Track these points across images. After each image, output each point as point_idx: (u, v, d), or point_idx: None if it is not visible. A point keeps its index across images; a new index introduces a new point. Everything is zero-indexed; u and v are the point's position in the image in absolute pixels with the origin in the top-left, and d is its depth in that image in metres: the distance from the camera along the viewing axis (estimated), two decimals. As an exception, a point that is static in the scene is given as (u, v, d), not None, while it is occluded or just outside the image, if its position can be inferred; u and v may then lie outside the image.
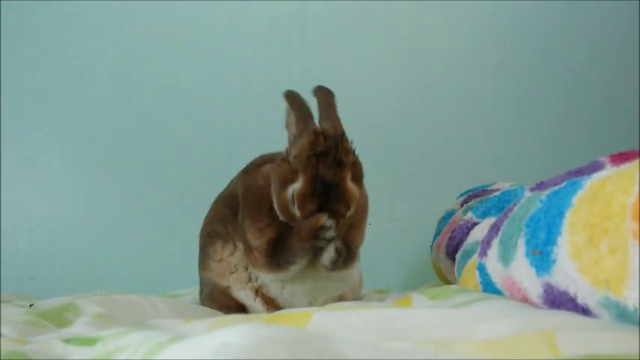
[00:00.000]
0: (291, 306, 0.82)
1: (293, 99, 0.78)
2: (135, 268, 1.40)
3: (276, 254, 0.77)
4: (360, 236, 0.85)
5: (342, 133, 0.74)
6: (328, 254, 0.73)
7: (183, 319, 0.66)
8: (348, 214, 0.73)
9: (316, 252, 0.74)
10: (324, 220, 0.70)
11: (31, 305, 0.76)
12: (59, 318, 0.62)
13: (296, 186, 0.71)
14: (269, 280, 0.81)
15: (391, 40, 1.48)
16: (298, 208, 0.71)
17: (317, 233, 0.71)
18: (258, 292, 0.83)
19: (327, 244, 0.73)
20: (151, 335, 0.41)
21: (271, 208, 0.76)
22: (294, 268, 0.77)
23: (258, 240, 0.79)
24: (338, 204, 0.71)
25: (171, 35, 1.49)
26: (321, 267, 0.76)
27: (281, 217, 0.75)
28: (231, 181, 0.93)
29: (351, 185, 0.72)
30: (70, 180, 1.46)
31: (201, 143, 1.45)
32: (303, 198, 0.70)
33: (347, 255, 0.78)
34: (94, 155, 1.46)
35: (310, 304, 0.82)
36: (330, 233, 0.71)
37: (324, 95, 0.82)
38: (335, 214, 0.71)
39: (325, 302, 0.83)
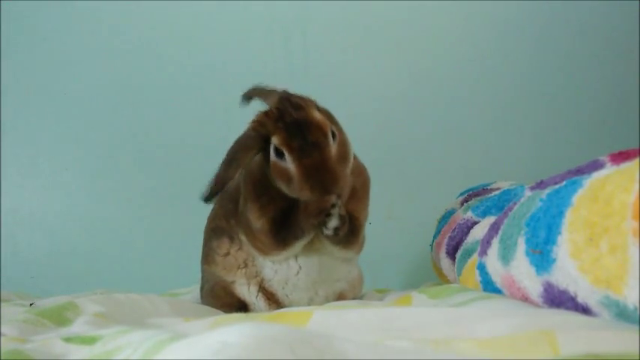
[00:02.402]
0: (291, 302, 0.83)
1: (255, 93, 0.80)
2: (135, 268, 1.40)
3: (281, 232, 0.78)
4: (364, 209, 0.86)
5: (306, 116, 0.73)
6: (332, 222, 0.74)
7: (183, 318, 0.66)
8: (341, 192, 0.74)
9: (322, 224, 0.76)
10: (334, 199, 0.73)
11: (31, 304, 0.76)
12: (59, 317, 0.62)
13: (292, 170, 0.71)
14: (274, 260, 0.82)
15: (391, 40, 1.48)
16: (310, 192, 0.71)
17: (326, 211, 0.73)
18: (261, 287, 0.84)
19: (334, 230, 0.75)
20: (151, 334, 0.41)
21: (270, 187, 0.77)
22: (299, 244, 0.79)
23: (260, 220, 0.79)
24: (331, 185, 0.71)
25: (171, 35, 1.49)
26: (324, 238, 0.78)
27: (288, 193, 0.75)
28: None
29: (340, 168, 0.73)
30: (71, 179, 1.46)
31: (201, 143, 1.44)
32: (310, 183, 0.70)
33: (351, 228, 0.80)
34: (94, 155, 1.46)
35: (311, 300, 0.84)
36: (336, 210, 0.73)
37: None
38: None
39: (326, 299, 0.84)
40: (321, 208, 0.73)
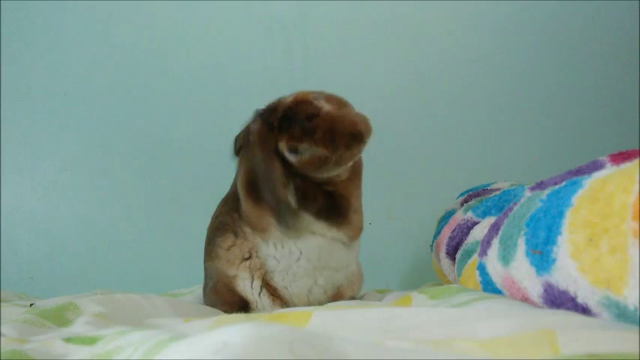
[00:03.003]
0: (291, 295, 0.84)
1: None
2: (135, 268, 1.40)
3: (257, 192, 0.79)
4: (355, 189, 0.86)
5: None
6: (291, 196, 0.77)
7: (183, 319, 0.66)
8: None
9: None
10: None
11: (31, 305, 0.76)
12: (59, 317, 0.62)
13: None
14: (273, 239, 0.83)
15: (391, 40, 1.48)
16: (346, 148, 0.75)
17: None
18: (264, 281, 0.84)
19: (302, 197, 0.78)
20: (151, 334, 0.41)
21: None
22: (284, 210, 0.80)
23: (240, 190, 0.82)
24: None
25: (171, 35, 1.49)
26: (307, 214, 0.80)
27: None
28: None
29: (347, 110, 0.76)
30: (71, 180, 1.46)
31: (201, 143, 1.45)
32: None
33: (337, 206, 0.82)
34: (94, 155, 1.46)
35: (310, 291, 0.85)
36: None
37: None
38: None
39: (325, 291, 0.85)
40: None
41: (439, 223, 1.01)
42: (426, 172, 1.43)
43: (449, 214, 0.98)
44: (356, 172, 0.87)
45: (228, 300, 0.85)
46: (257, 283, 0.84)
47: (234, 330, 0.33)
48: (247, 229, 0.85)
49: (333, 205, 0.82)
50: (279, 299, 0.85)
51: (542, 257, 0.46)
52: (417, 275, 1.33)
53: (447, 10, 1.47)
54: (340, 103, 0.78)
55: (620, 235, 0.37)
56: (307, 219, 0.82)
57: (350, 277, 0.90)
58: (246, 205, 0.82)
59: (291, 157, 0.76)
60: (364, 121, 0.75)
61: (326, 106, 0.75)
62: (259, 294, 0.84)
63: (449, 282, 0.91)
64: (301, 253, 0.83)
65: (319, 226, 0.83)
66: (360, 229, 0.90)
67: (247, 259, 0.85)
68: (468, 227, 0.85)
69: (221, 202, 0.95)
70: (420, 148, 1.44)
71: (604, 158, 0.65)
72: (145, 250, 1.42)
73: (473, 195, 0.99)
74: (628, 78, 1.44)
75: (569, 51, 1.46)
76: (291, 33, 1.47)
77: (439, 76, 1.47)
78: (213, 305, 0.87)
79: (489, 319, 0.41)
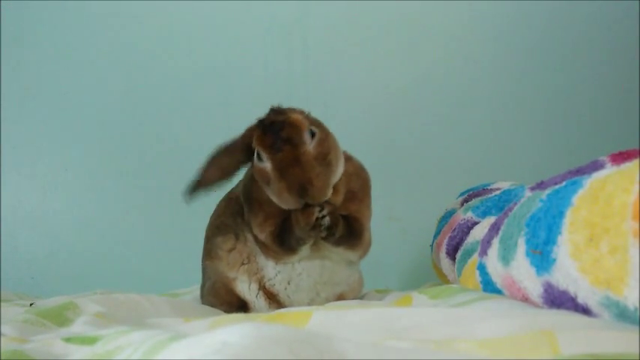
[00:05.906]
0: (292, 303, 0.83)
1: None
2: (135, 268, 1.40)
3: (284, 240, 0.79)
4: (366, 210, 0.86)
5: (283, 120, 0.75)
6: (324, 221, 0.75)
7: (183, 318, 0.66)
8: (331, 199, 0.74)
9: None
10: (317, 213, 0.73)
11: (31, 304, 0.76)
12: (59, 317, 0.62)
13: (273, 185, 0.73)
14: (287, 263, 0.82)
15: (391, 40, 1.48)
16: (288, 192, 0.72)
17: (315, 224, 0.74)
18: (261, 285, 0.84)
19: (327, 229, 0.75)
20: (151, 334, 0.41)
21: (265, 202, 0.79)
22: (305, 248, 0.80)
23: (261, 234, 0.81)
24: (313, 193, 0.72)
25: (171, 35, 1.49)
26: (324, 241, 0.79)
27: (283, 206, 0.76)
28: (240, 180, 0.94)
29: (318, 167, 0.72)
30: (71, 179, 1.46)
31: (201, 143, 1.44)
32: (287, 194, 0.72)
33: (352, 230, 0.81)
34: (94, 154, 1.46)
35: (312, 302, 0.84)
36: (326, 219, 0.74)
37: None
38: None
39: (327, 300, 0.84)
40: (308, 221, 0.73)
41: (439, 222, 1.01)
42: (426, 171, 1.43)
43: (449, 214, 0.98)
44: (365, 193, 0.86)
45: (226, 300, 0.85)
46: (254, 285, 0.84)
47: (234, 330, 0.33)
48: (249, 235, 0.85)
49: (350, 230, 0.81)
50: (275, 302, 0.84)
51: (542, 257, 0.46)
52: (417, 275, 1.33)
53: (447, 10, 1.47)
54: (326, 156, 0.74)
55: (621, 235, 0.37)
56: (325, 248, 0.82)
57: (352, 285, 0.90)
58: (274, 249, 0.81)
59: (255, 158, 0.76)
60: (319, 188, 0.72)
61: (310, 147, 0.73)
62: (256, 296, 0.84)
63: (449, 282, 0.91)
64: (303, 269, 0.83)
65: (336, 251, 0.83)
66: (369, 245, 0.89)
67: (246, 263, 0.85)
68: (468, 227, 0.85)
69: (223, 201, 0.94)
70: (420, 148, 1.44)
71: (604, 158, 0.65)
72: (145, 250, 1.42)
73: (473, 195, 0.99)
74: (628, 78, 1.44)
75: (569, 51, 1.46)
76: (291, 33, 1.47)
77: (439, 76, 1.47)
78: (211, 305, 0.87)
79: (489, 319, 0.41)
